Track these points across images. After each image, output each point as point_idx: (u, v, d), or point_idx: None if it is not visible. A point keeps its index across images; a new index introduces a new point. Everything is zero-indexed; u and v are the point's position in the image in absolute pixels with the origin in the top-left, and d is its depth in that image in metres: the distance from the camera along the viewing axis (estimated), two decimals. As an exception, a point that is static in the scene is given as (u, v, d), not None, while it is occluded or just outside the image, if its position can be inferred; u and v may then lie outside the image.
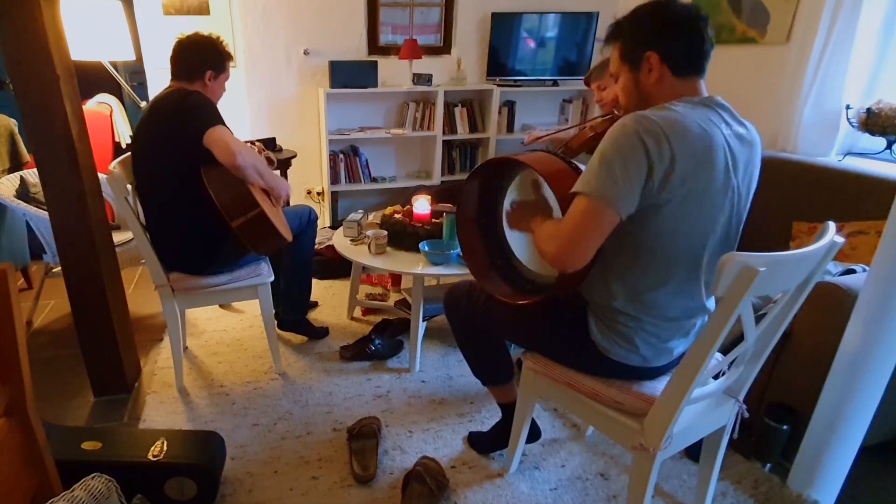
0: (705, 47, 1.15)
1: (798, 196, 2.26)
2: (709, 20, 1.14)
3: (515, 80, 3.75)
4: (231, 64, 2.02)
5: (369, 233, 2.22)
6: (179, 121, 1.75)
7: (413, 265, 2.10)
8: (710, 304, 1.28)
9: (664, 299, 1.20)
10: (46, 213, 1.85)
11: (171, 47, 1.92)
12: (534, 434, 1.76)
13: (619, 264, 1.20)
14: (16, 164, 2.87)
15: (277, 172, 2.11)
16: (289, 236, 1.95)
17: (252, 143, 2.14)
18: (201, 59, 1.90)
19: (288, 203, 2.07)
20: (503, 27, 3.61)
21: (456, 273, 2.05)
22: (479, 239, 1.53)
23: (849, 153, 2.47)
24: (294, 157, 3.44)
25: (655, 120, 1.06)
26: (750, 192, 1.21)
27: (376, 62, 3.44)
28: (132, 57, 2.74)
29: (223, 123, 1.77)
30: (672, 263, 1.16)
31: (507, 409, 1.72)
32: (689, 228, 1.12)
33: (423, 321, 2.29)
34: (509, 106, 3.88)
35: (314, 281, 2.68)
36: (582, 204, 1.10)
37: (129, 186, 1.91)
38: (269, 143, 3.36)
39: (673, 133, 1.05)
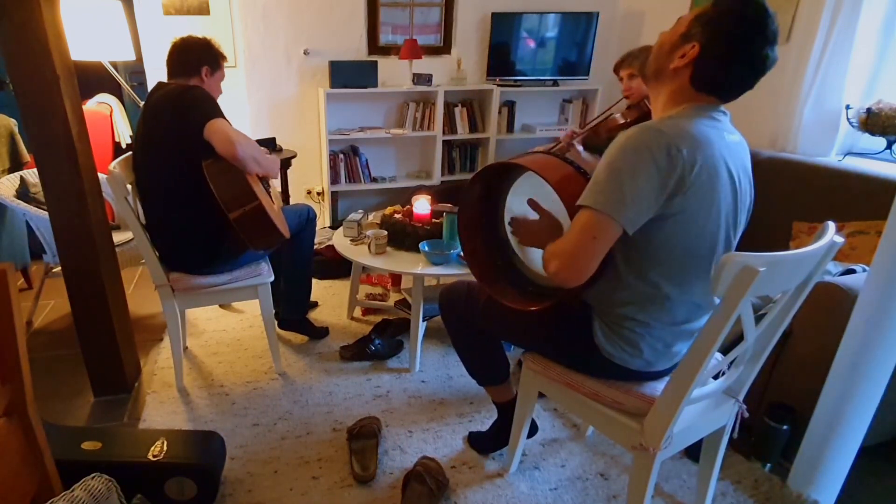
0: (743, 75, 1.06)
1: (798, 196, 2.26)
2: (773, 46, 1.03)
3: (515, 80, 3.74)
4: (226, 64, 2.05)
5: (369, 233, 2.22)
6: (179, 114, 1.76)
7: (413, 265, 2.10)
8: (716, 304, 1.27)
9: (677, 302, 1.18)
10: (46, 213, 1.85)
11: (167, 50, 1.94)
12: (531, 429, 1.75)
13: (631, 268, 1.18)
14: (16, 164, 2.87)
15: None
16: (286, 233, 1.96)
17: None
18: (196, 57, 1.94)
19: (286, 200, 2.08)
20: (503, 27, 3.60)
21: (456, 273, 2.05)
22: (481, 240, 1.52)
23: (849, 153, 2.47)
24: (294, 157, 3.44)
25: (664, 130, 1.05)
26: (752, 195, 1.22)
27: (376, 62, 3.44)
28: (132, 57, 2.74)
29: (223, 116, 1.78)
30: (686, 266, 1.15)
31: (504, 409, 1.72)
32: (699, 231, 1.11)
33: (423, 321, 2.29)
34: (509, 106, 3.88)
35: (314, 281, 2.68)
36: (585, 217, 1.08)
37: (129, 186, 1.91)
38: (269, 143, 3.36)
39: (682, 140, 1.04)
